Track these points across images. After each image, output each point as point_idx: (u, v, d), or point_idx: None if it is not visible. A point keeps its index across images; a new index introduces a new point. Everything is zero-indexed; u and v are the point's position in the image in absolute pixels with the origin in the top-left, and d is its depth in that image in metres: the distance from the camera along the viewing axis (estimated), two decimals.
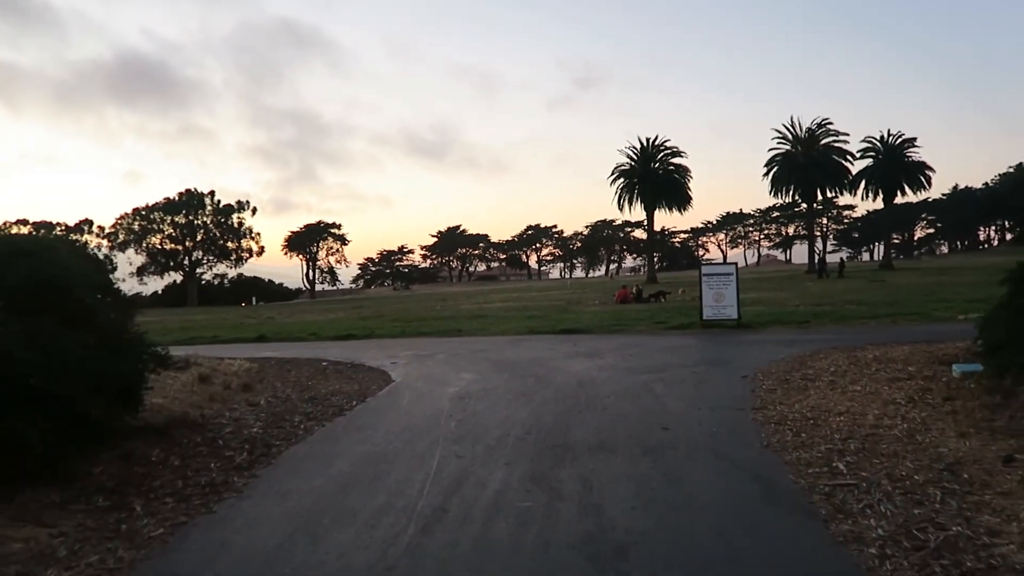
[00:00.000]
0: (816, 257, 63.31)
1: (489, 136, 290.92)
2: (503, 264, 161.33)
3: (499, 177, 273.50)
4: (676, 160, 68.10)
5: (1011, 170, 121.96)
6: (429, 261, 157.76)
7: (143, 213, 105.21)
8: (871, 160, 67.35)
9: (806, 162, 65.28)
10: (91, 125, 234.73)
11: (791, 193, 67.19)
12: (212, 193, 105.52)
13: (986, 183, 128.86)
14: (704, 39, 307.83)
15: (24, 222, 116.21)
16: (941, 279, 37.11)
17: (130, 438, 5.74)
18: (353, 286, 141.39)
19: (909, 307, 18.83)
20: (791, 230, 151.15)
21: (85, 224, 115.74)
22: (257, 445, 5.99)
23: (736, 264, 16.76)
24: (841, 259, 61.47)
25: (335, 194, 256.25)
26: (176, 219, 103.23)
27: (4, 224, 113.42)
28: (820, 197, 69.68)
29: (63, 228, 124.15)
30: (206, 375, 8.88)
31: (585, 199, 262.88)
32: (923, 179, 66.91)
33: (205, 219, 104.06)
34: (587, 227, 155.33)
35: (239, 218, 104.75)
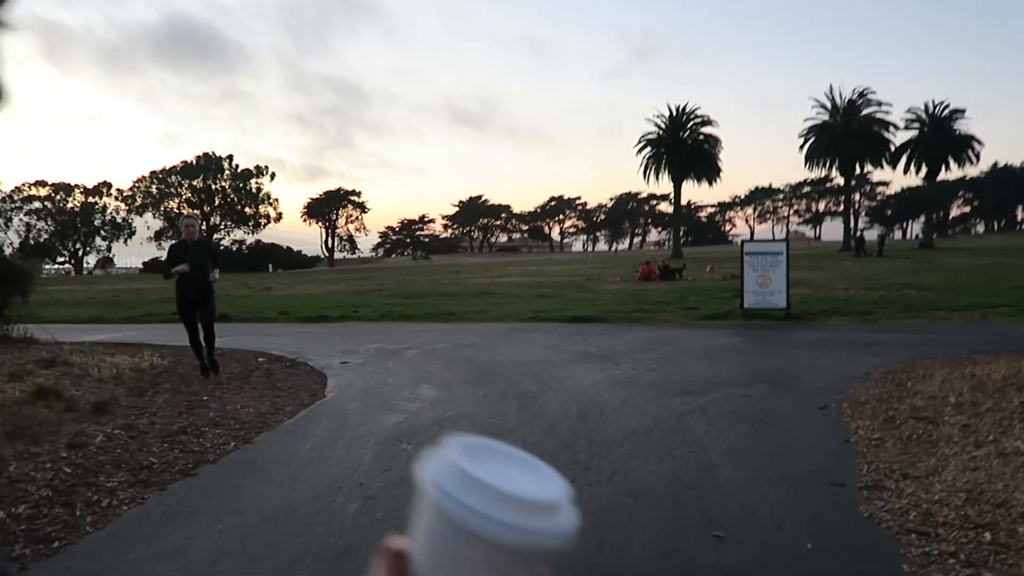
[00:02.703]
0: (854, 234, 59.52)
1: (534, 107, 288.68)
2: (525, 236, 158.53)
3: (539, 149, 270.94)
4: (707, 129, 64.51)
5: None
6: (450, 231, 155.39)
7: (160, 176, 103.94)
8: (915, 132, 63.13)
9: (845, 133, 61.30)
10: (135, 87, 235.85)
11: (828, 166, 63.31)
12: (231, 157, 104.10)
13: None
14: (752, 6, 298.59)
15: (43, 183, 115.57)
16: (996, 261, 33.71)
17: None
18: (373, 255, 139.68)
19: (985, 296, 15.78)
20: (821, 206, 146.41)
21: (104, 186, 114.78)
22: None
23: (787, 242, 13.81)
24: (880, 237, 57.60)
25: (368, 162, 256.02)
26: (194, 183, 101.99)
27: (23, 185, 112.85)
28: (859, 171, 65.65)
29: (82, 190, 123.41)
30: (47, 387, 6.23)
31: (622, 171, 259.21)
32: (971, 153, 62.64)
33: (223, 184, 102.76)
34: (611, 199, 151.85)
35: (257, 183, 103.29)
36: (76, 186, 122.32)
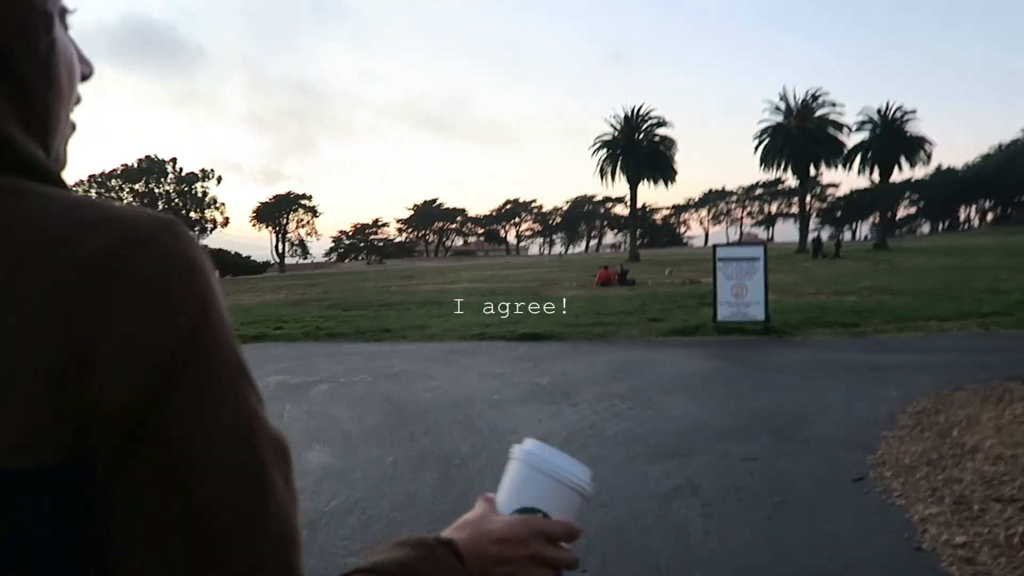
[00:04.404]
0: (810, 236, 59.14)
1: (501, 110, 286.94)
2: (481, 239, 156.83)
3: (500, 151, 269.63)
4: (662, 131, 63.59)
5: (992, 151, 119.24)
6: (405, 235, 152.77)
7: (99, 180, 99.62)
8: (867, 134, 63.19)
9: (800, 134, 60.94)
10: (86, 86, 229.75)
11: (783, 167, 62.90)
12: (174, 160, 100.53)
13: (967, 163, 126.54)
14: (712, 14, 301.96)
15: None
16: (954, 262, 33.01)
17: None
18: (326, 259, 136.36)
19: (966, 302, 14.46)
20: (774, 208, 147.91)
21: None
22: None
23: (764, 246, 12.26)
24: (838, 239, 57.42)
25: (329, 166, 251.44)
26: (135, 187, 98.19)
27: None
28: (813, 172, 65.41)
29: None
30: None
31: (580, 174, 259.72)
32: (923, 153, 62.91)
33: (167, 187, 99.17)
34: (567, 202, 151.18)
35: (203, 187, 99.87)
36: None
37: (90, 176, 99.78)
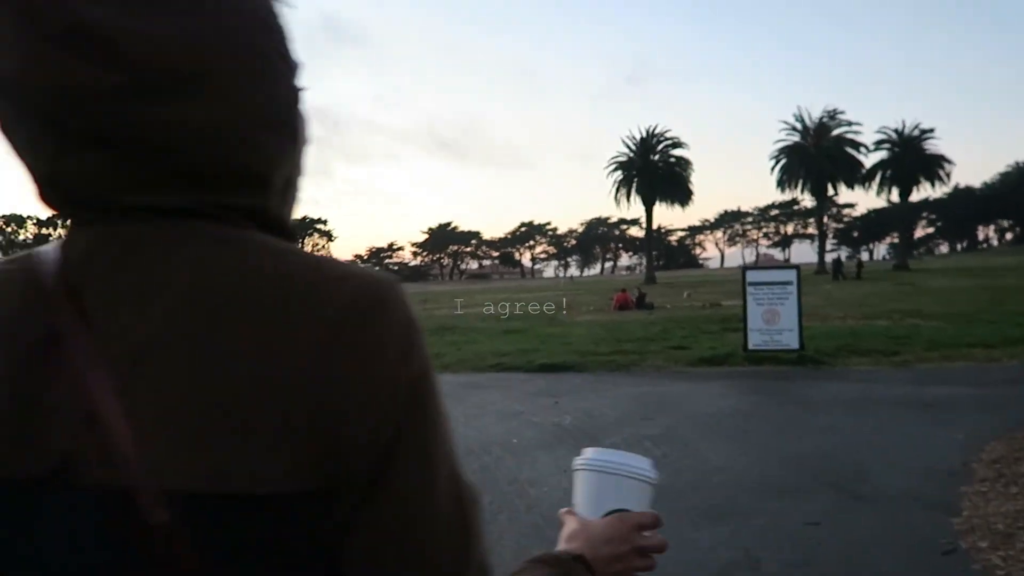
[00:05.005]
0: (828, 257, 58.22)
1: (517, 133, 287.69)
2: (495, 262, 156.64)
3: (516, 174, 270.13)
4: (678, 152, 63.07)
5: (1010, 168, 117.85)
6: (419, 259, 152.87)
7: None
8: (886, 152, 62.37)
9: (817, 154, 60.25)
10: None
11: (800, 187, 62.13)
12: None
13: (985, 182, 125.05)
14: (729, 36, 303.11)
15: None
16: (980, 283, 32.06)
17: None
18: None
19: (1006, 327, 13.62)
20: (790, 229, 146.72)
21: (58, 217, 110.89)
22: None
23: (798, 268, 11.55)
24: (858, 260, 56.45)
25: (344, 190, 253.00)
26: None
27: None
28: (830, 191, 64.56)
29: (35, 221, 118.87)
30: None
31: (594, 196, 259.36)
32: (941, 172, 61.97)
33: None
34: (582, 224, 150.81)
35: None
36: (28, 217, 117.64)
37: None
